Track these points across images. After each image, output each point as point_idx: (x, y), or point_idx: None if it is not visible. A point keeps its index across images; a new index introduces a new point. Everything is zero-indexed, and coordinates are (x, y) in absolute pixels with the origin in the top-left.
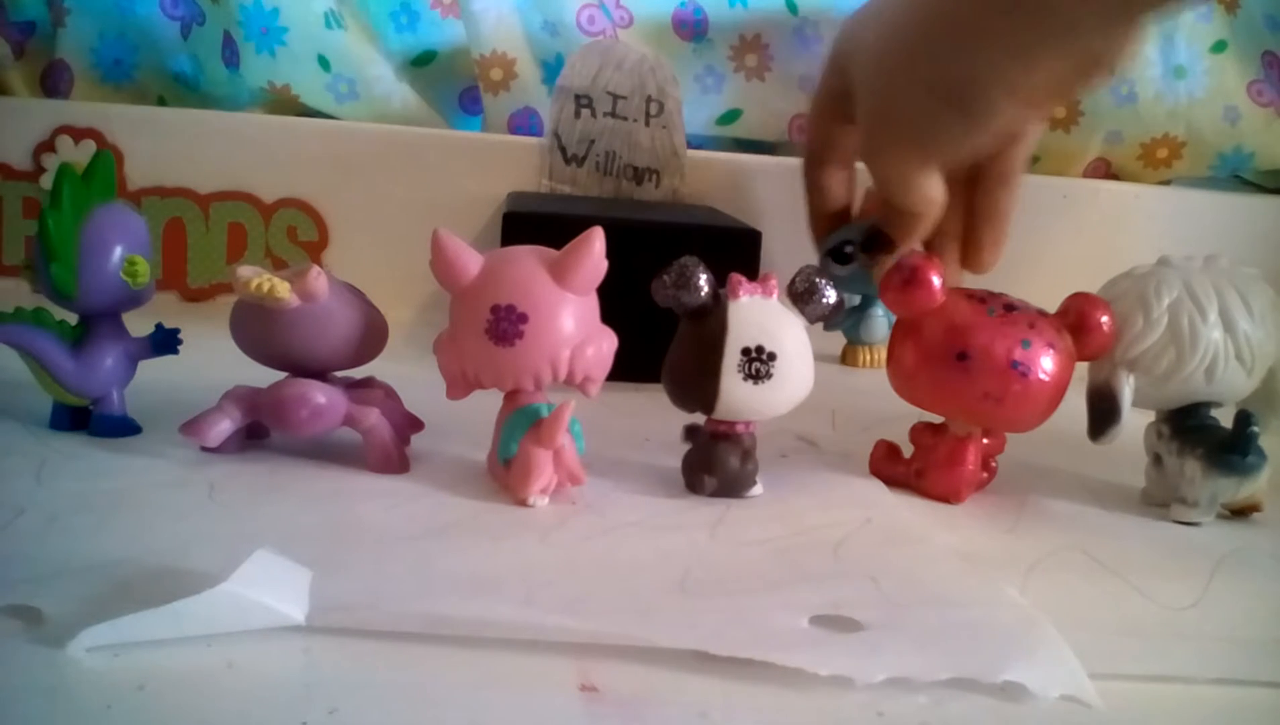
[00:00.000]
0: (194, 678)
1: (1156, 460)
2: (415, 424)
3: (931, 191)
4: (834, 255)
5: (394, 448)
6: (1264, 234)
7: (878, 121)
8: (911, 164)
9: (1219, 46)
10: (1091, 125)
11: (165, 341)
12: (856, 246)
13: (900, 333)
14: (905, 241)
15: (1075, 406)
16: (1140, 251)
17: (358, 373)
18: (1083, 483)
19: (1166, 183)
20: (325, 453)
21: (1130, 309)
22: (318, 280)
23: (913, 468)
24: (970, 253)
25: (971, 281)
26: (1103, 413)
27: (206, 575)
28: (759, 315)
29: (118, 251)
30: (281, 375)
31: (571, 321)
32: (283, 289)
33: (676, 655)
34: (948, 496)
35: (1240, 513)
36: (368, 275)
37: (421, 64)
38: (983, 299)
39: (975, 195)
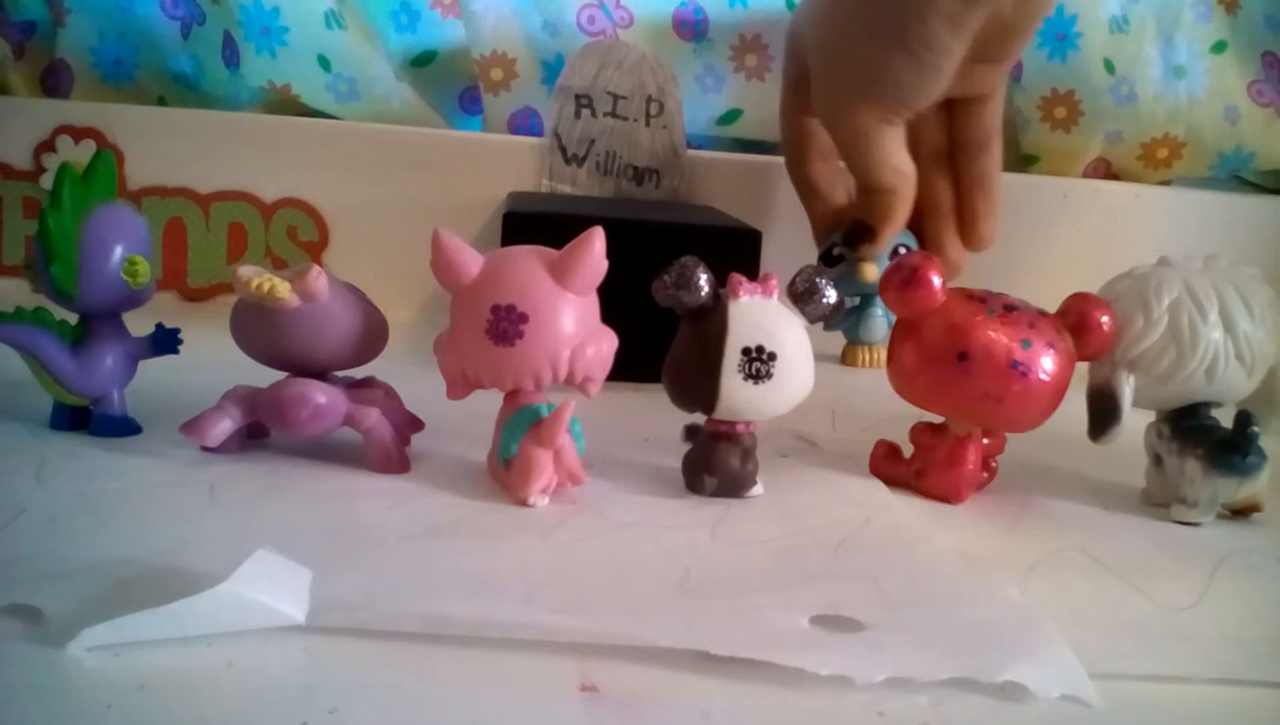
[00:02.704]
0: (194, 678)
1: (1156, 460)
2: (415, 424)
3: (897, 160)
4: (824, 259)
5: (394, 448)
6: (1264, 234)
7: (831, 80)
8: (870, 119)
9: (1219, 46)
10: (1091, 125)
11: (165, 341)
12: (840, 243)
13: (900, 333)
14: (885, 226)
15: (1075, 406)
16: (1140, 251)
17: (358, 373)
18: (1083, 483)
19: (1166, 183)
20: (325, 453)
21: (1130, 309)
22: (318, 280)
23: (913, 468)
24: (968, 227)
25: (975, 272)
26: (1103, 413)
27: (206, 575)
28: (759, 315)
29: (118, 251)
30: (282, 375)
31: (572, 321)
32: (283, 289)
33: (676, 655)
34: (948, 496)
35: (1240, 513)
36: (368, 275)
37: (421, 64)
38: (983, 299)
39: (959, 167)
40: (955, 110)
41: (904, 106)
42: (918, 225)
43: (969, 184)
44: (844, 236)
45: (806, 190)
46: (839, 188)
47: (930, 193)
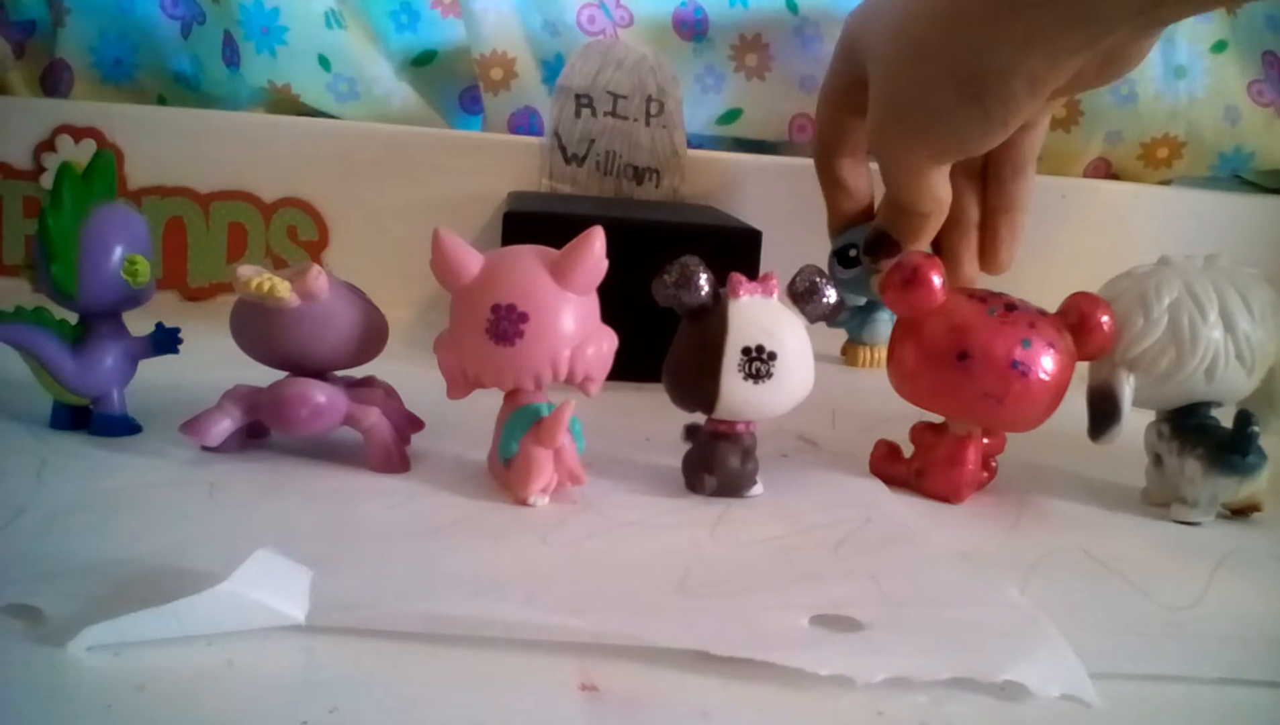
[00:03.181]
0: (194, 677)
1: (1156, 460)
2: (415, 423)
3: (939, 190)
4: (839, 258)
5: (394, 447)
6: (1264, 234)
7: (893, 114)
8: (923, 159)
9: (1219, 46)
10: (1091, 125)
11: (165, 341)
12: (860, 250)
13: (901, 332)
14: (910, 244)
15: (1075, 406)
16: (1140, 251)
17: (358, 372)
18: (1083, 483)
19: (1166, 183)
20: (325, 452)
21: (1130, 309)
22: (318, 280)
23: (913, 468)
24: (987, 248)
25: (987, 284)
26: (1103, 413)
27: (206, 575)
28: (759, 315)
29: (118, 251)
30: (282, 375)
31: (572, 321)
32: (283, 288)
33: (676, 655)
34: (948, 496)
35: (1240, 513)
36: (368, 275)
37: (421, 64)
38: (983, 299)
39: (989, 186)
40: None
41: (963, 153)
42: (937, 236)
43: (996, 207)
44: (866, 244)
45: (833, 183)
46: (864, 185)
47: (956, 207)
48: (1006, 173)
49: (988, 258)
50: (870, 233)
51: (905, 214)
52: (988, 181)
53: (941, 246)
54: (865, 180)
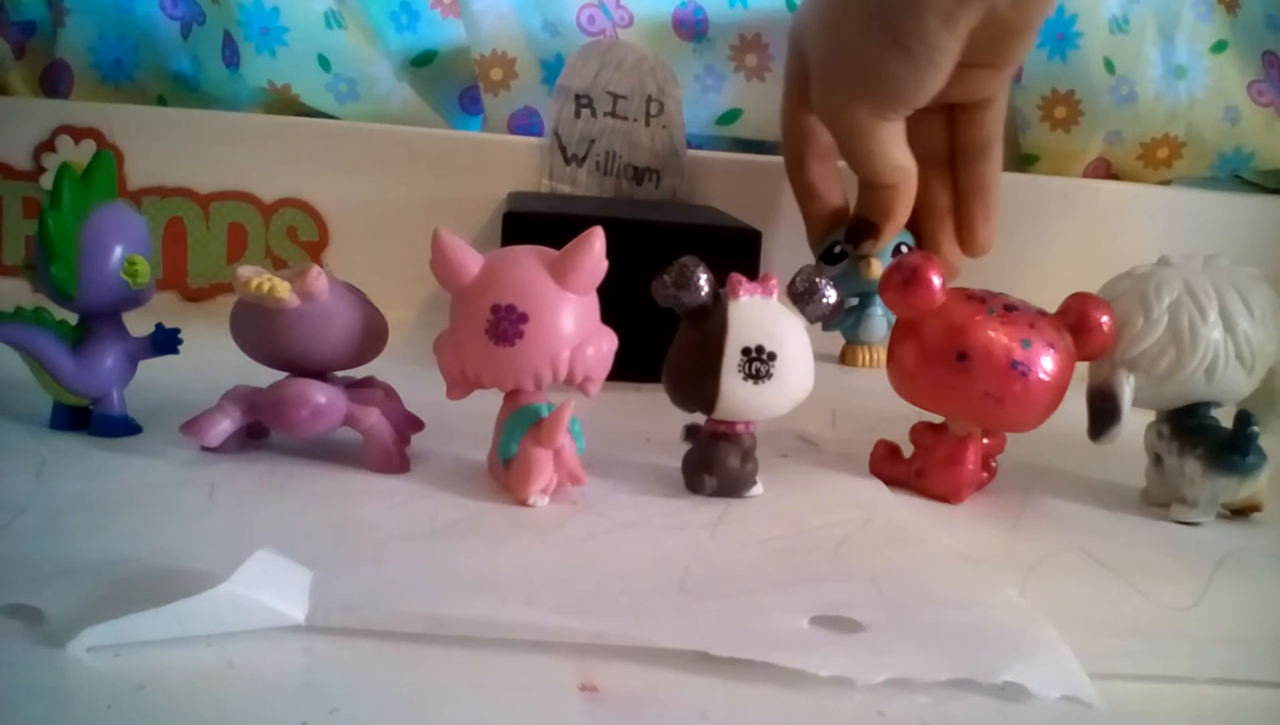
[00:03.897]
0: (194, 678)
1: (1156, 460)
2: (415, 424)
3: (898, 157)
4: (825, 257)
5: (394, 447)
6: (1264, 234)
7: (828, 78)
8: (864, 115)
9: (1219, 46)
10: (1091, 125)
11: (165, 341)
12: (842, 241)
13: (900, 333)
14: (886, 222)
15: (1075, 406)
16: (1140, 251)
17: (358, 373)
18: (1083, 483)
19: (1166, 183)
20: (325, 453)
21: (1130, 309)
22: (318, 280)
23: (913, 468)
24: (965, 233)
25: (976, 271)
26: (1103, 413)
27: (207, 575)
28: (759, 315)
29: (118, 251)
30: (281, 375)
31: (572, 321)
32: (283, 289)
33: (676, 655)
34: (948, 496)
35: (1240, 513)
36: (368, 275)
37: (421, 64)
38: (983, 299)
39: (958, 171)
40: (955, 115)
41: (900, 103)
42: (916, 226)
43: (967, 190)
44: (846, 233)
45: (804, 190)
46: (836, 189)
47: (929, 196)
48: (972, 154)
49: (966, 241)
50: (849, 222)
51: (873, 190)
52: (956, 167)
53: (920, 237)
54: (836, 183)
